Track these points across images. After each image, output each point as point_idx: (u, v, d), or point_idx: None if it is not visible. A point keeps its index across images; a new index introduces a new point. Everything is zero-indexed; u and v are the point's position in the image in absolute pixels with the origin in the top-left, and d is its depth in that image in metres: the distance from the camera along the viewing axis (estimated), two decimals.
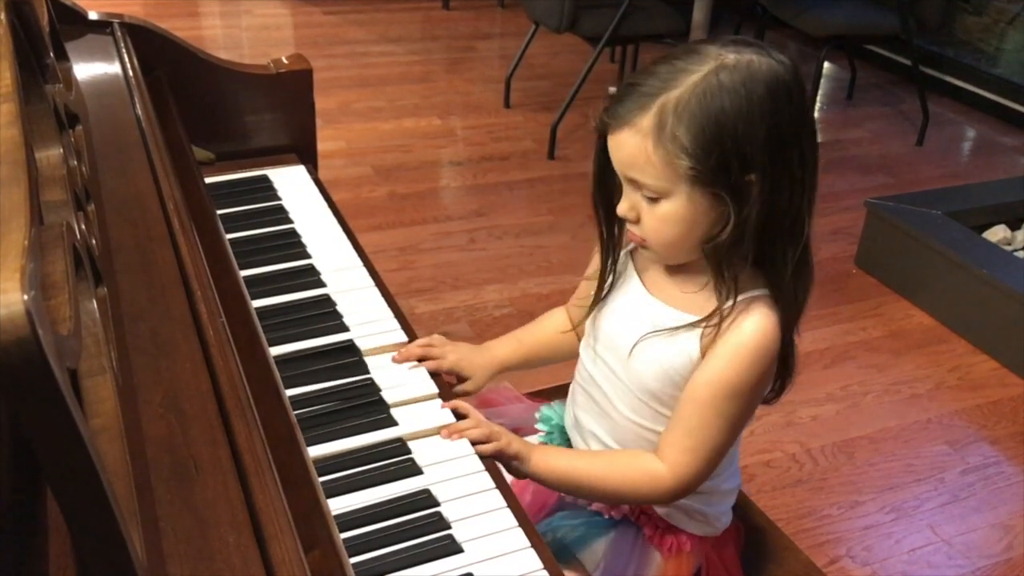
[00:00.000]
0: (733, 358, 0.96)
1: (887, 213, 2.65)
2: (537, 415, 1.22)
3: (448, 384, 1.14)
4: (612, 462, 1.05)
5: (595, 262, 1.11)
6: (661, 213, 0.94)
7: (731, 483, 1.12)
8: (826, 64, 4.01)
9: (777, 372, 1.02)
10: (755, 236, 0.93)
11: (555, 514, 1.14)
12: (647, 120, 0.90)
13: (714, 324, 0.97)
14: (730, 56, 0.91)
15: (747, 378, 0.97)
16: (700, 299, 1.00)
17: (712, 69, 0.90)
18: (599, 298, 1.09)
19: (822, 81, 4.08)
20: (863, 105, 4.02)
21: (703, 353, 0.98)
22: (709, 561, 1.13)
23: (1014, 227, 2.73)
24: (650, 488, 1.02)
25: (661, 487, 1.01)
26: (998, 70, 4.07)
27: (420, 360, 1.14)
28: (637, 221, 0.97)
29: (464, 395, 1.17)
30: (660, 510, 1.10)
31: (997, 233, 2.69)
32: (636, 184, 0.94)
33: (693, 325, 0.99)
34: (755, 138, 0.89)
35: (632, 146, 0.92)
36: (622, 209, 0.97)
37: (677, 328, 0.99)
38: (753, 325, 0.96)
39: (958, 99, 4.07)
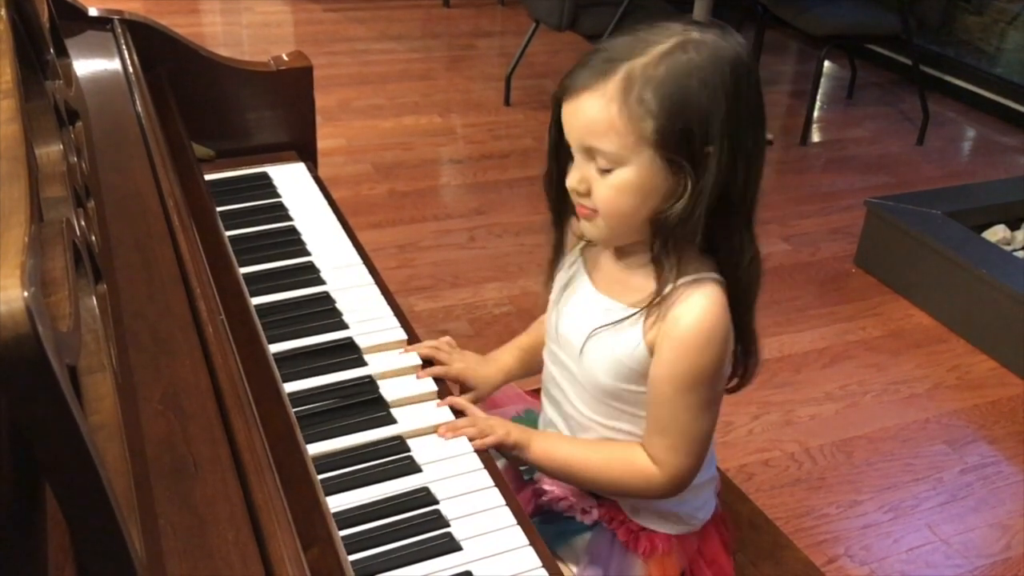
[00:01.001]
0: (685, 348, 0.96)
1: (887, 213, 2.65)
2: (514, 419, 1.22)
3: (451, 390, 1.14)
4: (610, 457, 1.05)
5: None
6: (616, 182, 0.93)
7: (705, 475, 1.11)
8: (826, 63, 4.00)
9: (739, 360, 1.03)
10: (705, 212, 0.92)
11: (532, 519, 1.14)
12: (612, 84, 0.90)
13: (655, 306, 0.96)
14: (694, 33, 0.92)
15: (703, 364, 0.96)
16: (640, 290, 0.99)
17: (678, 43, 0.91)
18: (551, 275, 1.10)
19: (822, 80, 4.07)
20: (863, 104, 4.02)
21: (648, 343, 0.98)
22: (693, 560, 1.13)
23: (1014, 227, 2.73)
24: (646, 487, 1.03)
25: (656, 485, 1.02)
26: (998, 70, 4.07)
27: (426, 361, 1.15)
28: (587, 194, 0.96)
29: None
30: (632, 515, 1.09)
31: (997, 233, 2.69)
32: (591, 153, 0.93)
33: (636, 314, 0.98)
34: (716, 113, 0.90)
35: (594, 110, 0.91)
36: (572, 180, 0.96)
37: (621, 320, 0.99)
38: (696, 311, 0.95)
39: (958, 99, 4.07)
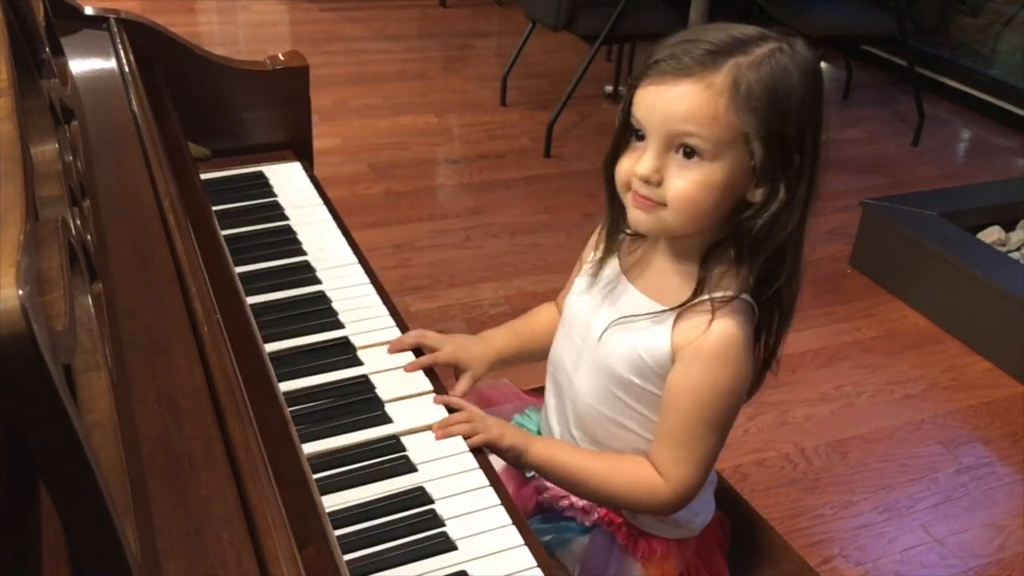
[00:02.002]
0: (712, 363, 0.95)
1: (882, 213, 2.65)
2: (517, 416, 1.22)
3: (445, 380, 1.14)
4: (614, 469, 1.03)
5: (591, 244, 1.11)
6: (699, 176, 0.90)
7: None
8: (822, 64, 4.01)
9: (756, 374, 1.02)
10: (787, 224, 0.92)
11: (530, 519, 1.14)
12: (721, 76, 0.89)
13: (692, 313, 0.95)
14: (783, 43, 0.92)
15: (726, 382, 0.96)
16: (679, 290, 0.98)
17: (775, 48, 0.91)
18: (604, 261, 1.06)
19: None
20: (859, 105, 4.02)
21: (675, 345, 0.97)
22: (691, 565, 1.13)
23: (1008, 228, 2.74)
24: (649, 499, 1.02)
25: (661, 498, 1.01)
26: (994, 71, 4.08)
27: (415, 351, 1.14)
28: (659, 184, 0.92)
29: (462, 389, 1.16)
30: (631, 518, 1.09)
31: (992, 234, 2.70)
32: (676, 141, 0.90)
33: (670, 311, 0.97)
34: (809, 123, 0.91)
35: (698, 99, 0.88)
36: (645, 168, 0.91)
37: (650, 315, 0.98)
38: (730, 329, 0.95)
39: (954, 100, 4.08)
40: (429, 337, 1.15)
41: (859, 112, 3.95)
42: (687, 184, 0.91)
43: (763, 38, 0.92)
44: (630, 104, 0.94)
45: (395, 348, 1.14)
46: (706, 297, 0.95)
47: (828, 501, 1.91)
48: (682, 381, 0.97)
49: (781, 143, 0.90)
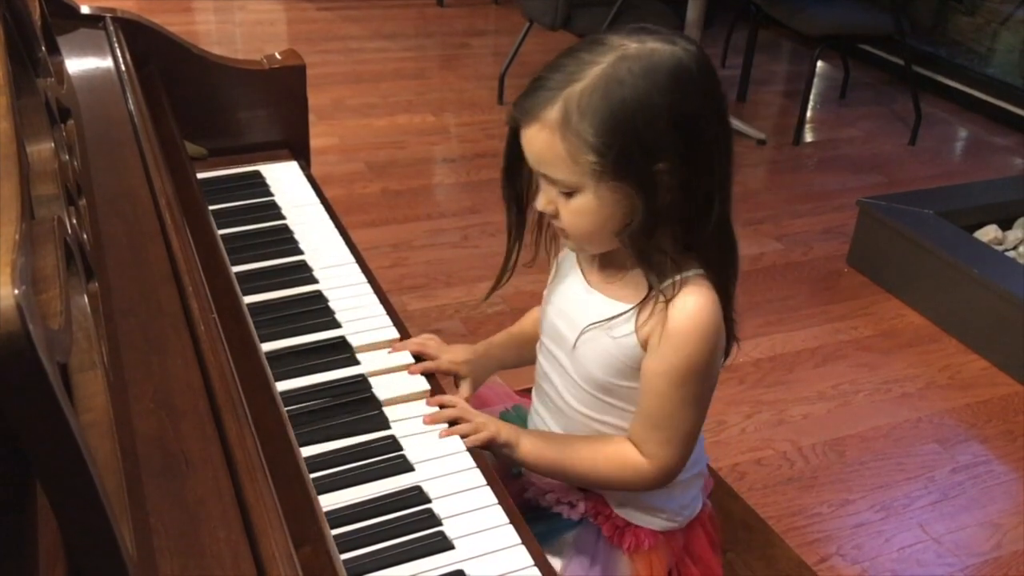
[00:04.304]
0: (679, 343, 0.96)
1: (879, 212, 2.65)
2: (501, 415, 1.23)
3: (445, 388, 1.14)
4: (598, 453, 1.05)
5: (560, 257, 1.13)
6: (574, 207, 0.95)
7: (692, 470, 1.12)
8: (819, 63, 4.01)
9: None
10: (672, 221, 0.94)
11: None
12: (553, 114, 0.91)
13: (648, 303, 0.97)
14: (632, 45, 0.91)
15: (698, 359, 0.97)
16: (633, 287, 1.01)
17: (614, 60, 0.90)
18: (496, 286, 1.12)
19: (815, 80, 4.09)
20: (856, 104, 4.03)
21: (642, 340, 0.99)
22: (679, 558, 1.13)
23: (1005, 227, 2.74)
24: (635, 479, 1.04)
25: (646, 478, 1.03)
26: (990, 70, 4.08)
27: (415, 356, 1.15)
28: (556, 215, 0.98)
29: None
30: (618, 510, 1.10)
31: (988, 233, 2.70)
32: (548, 179, 0.95)
33: (628, 311, 1.00)
34: (658, 126, 0.89)
35: (541, 141, 0.93)
36: (540, 204, 0.98)
37: (614, 318, 1.00)
38: (691, 306, 0.96)
39: (950, 99, 4.08)
40: (430, 347, 1.17)
41: (856, 111, 3.96)
42: (568, 215, 0.96)
43: (607, 50, 0.91)
44: (512, 143, 0.99)
45: (397, 351, 1.15)
46: (658, 289, 0.97)
47: (825, 499, 1.92)
48: (656, 365, 0.98)
49: (628, 161, 0.90)
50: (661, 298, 0.96)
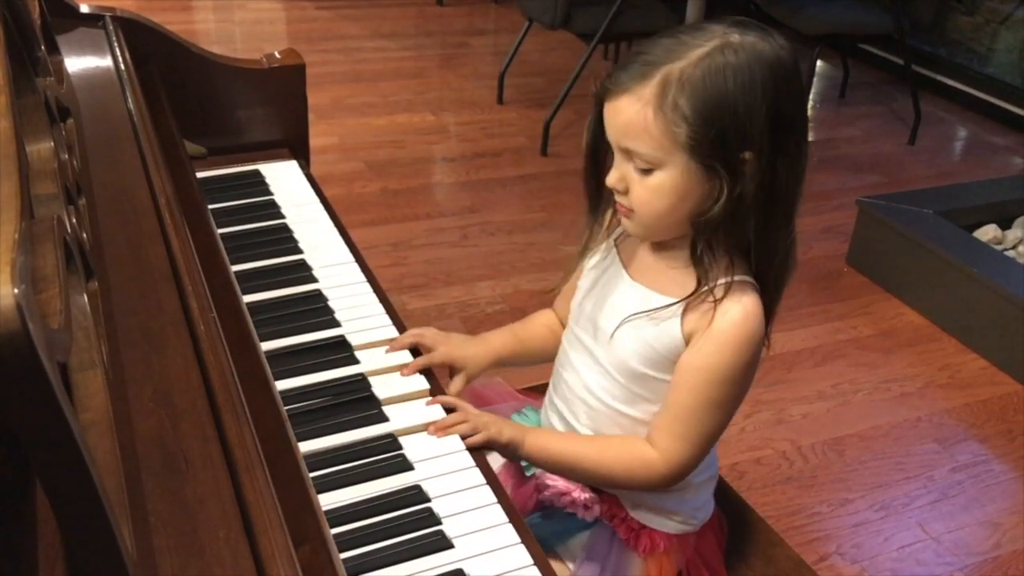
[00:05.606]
0: (723, 344, 0.97)
1: (878, 212, 2.65)
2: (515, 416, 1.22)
3: (441, 380, 1.14)
4: (605, 448, 1.05)
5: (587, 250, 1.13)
6: (652, 184, 0.94)
7: (706, 474, 1.12)
8: (819, 63, 4.01)
9: None
10: (748, 216, 0.94)
11: (531, 515, 1.14)
12: (649, 88, 0.91)
13: (699, 302, 0.98)
14: (735, 36, 0.92)
15: (736, 364, 0.98)
16: (681, 281, 1.00)
17: (718, 46, 0.91)
18: (578, 264, 1.11)
19: (815, 80, 4.08)
20: (855, 104, 4.03)
21: (686, 335, 0.99)
22: (691, 562, 1.13)
23: (1004, 226, 2.74)
24: (644, 475, 1.03)
25: (655, 474, 1.02)
26: (990, 70, 4.08)
27: (411, 351, 1.15)
28: (626, 192, 0.97)
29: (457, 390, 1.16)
30: (633, 512, 1.10)
31: (988, 232, 2.70)
32: (629, 154, 0.95)
33: (676, 304, 0.99)
34: (756, 118, 0.90)
35: (631, 113, 0.93)
36: (612, 179, 0.98)
37: (660, 309, 1.00)
38: (742, 310, 0.97)
39: (950, 98, 4.08)
40: (427, 337, 1.16)
41: (856, 110, 3.96)
42: (642, 192, 0.96)
43: (710, 37, 0.92)
44: (597, 119, 0.99)
45: (394, 349, 1.14)
46: (709, 286, 0.97)
47: (825, 499, 1.92)
48: (694, 359, 0.99)
49: (720, 143, 0.91)
50: (711, 296, 0.97)
